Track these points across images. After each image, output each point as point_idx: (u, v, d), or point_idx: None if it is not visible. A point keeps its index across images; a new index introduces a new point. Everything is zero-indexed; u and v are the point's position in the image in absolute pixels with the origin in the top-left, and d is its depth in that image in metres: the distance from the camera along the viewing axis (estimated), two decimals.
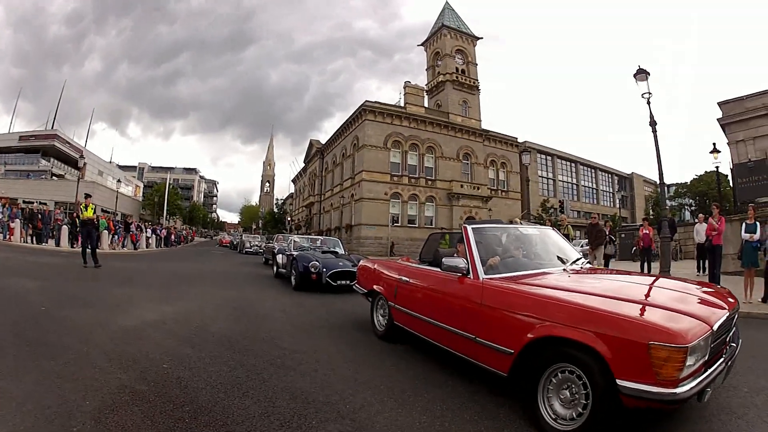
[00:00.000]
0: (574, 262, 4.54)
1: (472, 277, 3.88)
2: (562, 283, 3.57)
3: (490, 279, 3.77)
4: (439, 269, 4.36)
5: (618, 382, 2.54)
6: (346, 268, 10.27)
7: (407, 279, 4.98)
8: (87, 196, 13.16)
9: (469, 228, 4.29)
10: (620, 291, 3.27)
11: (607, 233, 14.82)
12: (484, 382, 3.80)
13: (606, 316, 2.74)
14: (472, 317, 3.69)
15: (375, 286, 5.74)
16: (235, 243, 43.58)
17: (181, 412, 2.99)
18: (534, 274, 3.98)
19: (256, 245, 33.37)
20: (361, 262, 6.72)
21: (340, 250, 12.81)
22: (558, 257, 4.59)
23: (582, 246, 29.33)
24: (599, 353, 2.63)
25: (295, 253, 11.43)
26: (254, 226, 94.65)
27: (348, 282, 9.97)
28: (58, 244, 20.76)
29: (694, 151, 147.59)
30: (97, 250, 13.06)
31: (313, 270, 9.97)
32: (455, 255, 4.39)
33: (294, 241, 13.67)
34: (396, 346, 5.22)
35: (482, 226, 4.56)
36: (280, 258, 13.02)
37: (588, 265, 4.68)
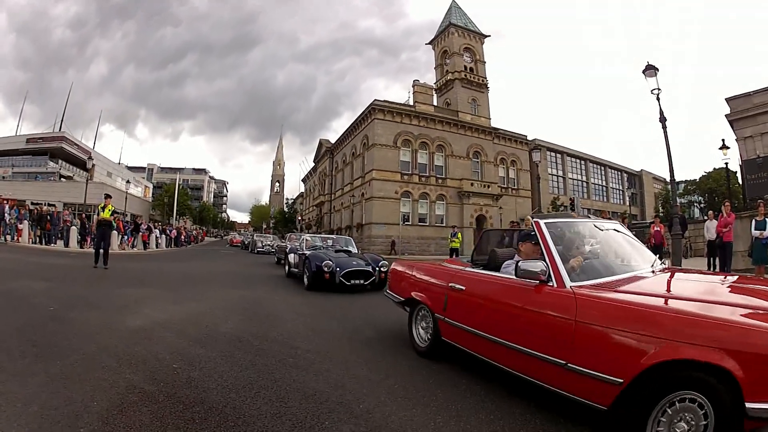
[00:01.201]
0: (654, 261, 3.92)
1: (556, 285, 3.14)
2: (672, 291, 3.07)
3: (580, 287, 3.05)
4: (500, 274, 3.78)
5: (747, 405, 2.16)
6: (359, 267, 10.09)
7: (461, 287, 4.06)
8: (107, 196, 13.07)
9: (542, 222, 3.56)
10: (731, 296, 2.90)
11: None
12: (500, 382, 3.70)
13: (739, 328, 2.29)
14: (561, 338, 2.92)
15: (414, 294, 4.84)
16: (246, 243, 43.36)
17: (191, 413, 2.92)
18: (627, 279, 3.29)
19: (268, 245, 33.15)
20: (394, 265, 5.73)
21: (353, 249, 12.60)
22: (635, 256, 3.89)
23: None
24: (732, 374, 2.19)
25: (307, 252, 11.23)
26: (264, 226, 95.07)
27: (362, 281, 9.92)
28: (66, 245, 20.91)
29: (696, 149, 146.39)
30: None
31: (326, 269, 9.76)
32: (517, 256, 3.85)
33: (306, 240, 13.43)
34: (409, 345, 5.13)
35: (556, 220, 3.81)
36: (292, 257, 12.80)
37: (664, 265, 4.05)
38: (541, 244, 3.42)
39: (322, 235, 16.86)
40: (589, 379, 2.71)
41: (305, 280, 10.45)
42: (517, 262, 3.46)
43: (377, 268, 10.21)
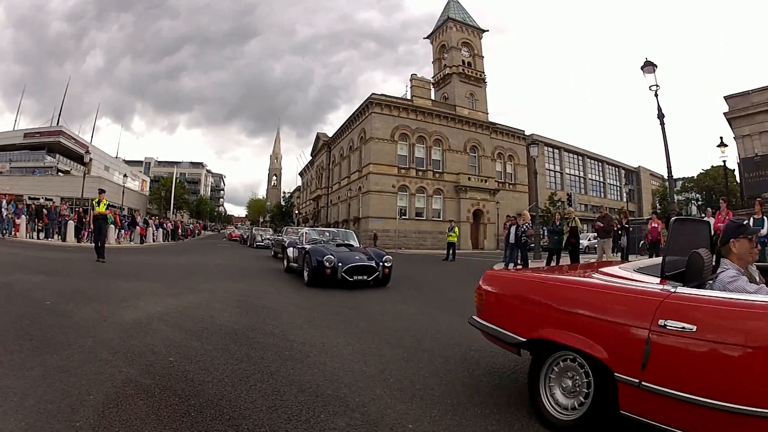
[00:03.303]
0: None
1: None
2: None
3: None
4: (735, 295, 2.28)
5: None
6: (362, 262, 9.68)
7: (688, 326, 2.19)
8: (101, 191, 13.27)
9: None
10: None
11: (624, 224, 14.90)
12: (495, 376, 3.73)
13: None
14: None
15: (552, 335, 2.81)
16: (245, 237, 42.73)
17: (186, 406, 2.93)
18: None
19: (268, 239, 32.11)
20: (487, 282, 3.53)
21: (355, 243, 12.11)
22: None
23: (589, 239, 29.59)
24: None
25: (307, 246, 10.68)
26: (261, 220, 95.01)
27: (365, 277, 9.59)
28: (64, 239, 20.83)
29: (694, 146, 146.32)
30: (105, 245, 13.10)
31: (327, 264, 9.34)
32: (725, 262, 2.73)
33: (306, 233, 12.81)
34: (410, 338, 5.14)
35: None
36: (291, 251, 12.41)
37: None
38: None
39: (322, 229, 16.54)
40: None
41: (305, 275, 10.07)
42: None
43: (380, 263, 9.85)
